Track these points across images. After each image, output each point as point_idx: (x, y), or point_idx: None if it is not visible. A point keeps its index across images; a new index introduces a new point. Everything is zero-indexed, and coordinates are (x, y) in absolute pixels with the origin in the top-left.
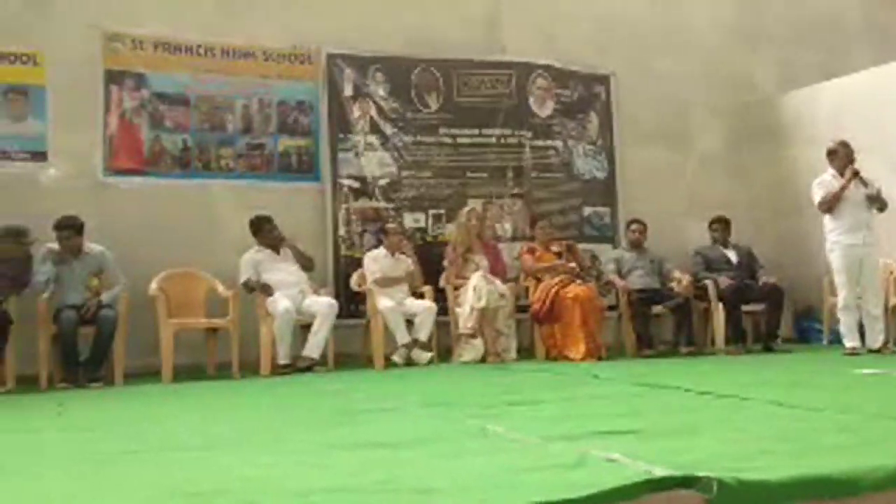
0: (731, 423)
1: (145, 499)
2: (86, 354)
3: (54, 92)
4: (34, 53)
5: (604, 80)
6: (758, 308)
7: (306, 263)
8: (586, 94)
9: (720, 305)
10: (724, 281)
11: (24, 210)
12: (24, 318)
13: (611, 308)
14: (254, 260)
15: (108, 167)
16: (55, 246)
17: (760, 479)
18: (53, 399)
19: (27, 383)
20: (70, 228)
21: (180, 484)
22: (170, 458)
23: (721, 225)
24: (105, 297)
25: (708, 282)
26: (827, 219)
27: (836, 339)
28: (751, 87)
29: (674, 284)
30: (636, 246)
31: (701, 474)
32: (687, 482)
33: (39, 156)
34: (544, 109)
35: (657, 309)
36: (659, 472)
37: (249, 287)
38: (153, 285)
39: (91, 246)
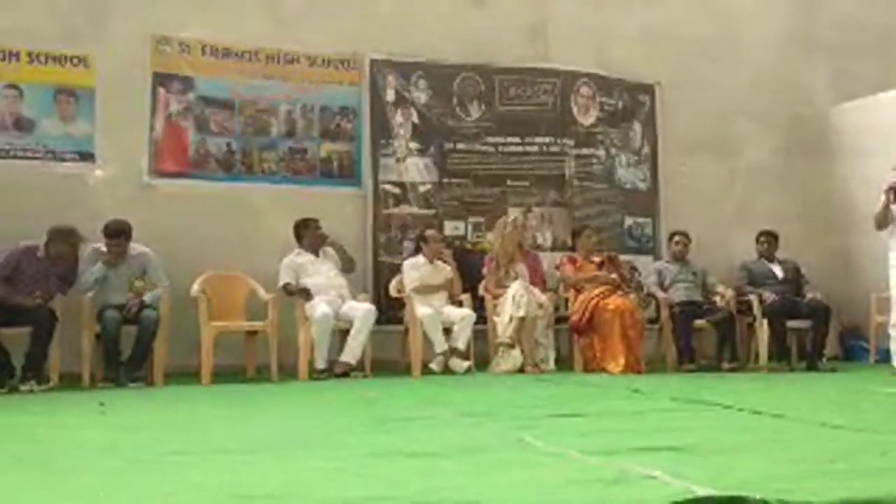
0: (776, 443)
1: (192, 501)
2: (127, 354)
3: (103, 94)
4: (84, 56)
5: (649, 89)
6: (803, 325)
7: (347, 264)
8: (631, 103)
9: (764, 321)
10: (769, 296)
11: (71, 210)
12: (69, 317)
13: (651, 321)
14: (294, 263)
15: (154, 169)
16: (102, 247)
17: (807, 500)
18: (96, 397)
19: (70, 381)
20: (121, 236)
21: (224, 487)
22: (213, 461)
23: (768, 239)
24: (147, 297)
25: (752, 296)
26: (886, 234)
27: (884, 358)
28: (801, 98)
29: (717, 298)
30: (679, 258)
31: (745, 494)
32: (731, 503)
33: (87, 157)
34: (587, 118)
35: (699, 323)
36: (701, 491)
37: (289, 291)
38: (195, 287)
39: (136, 247)
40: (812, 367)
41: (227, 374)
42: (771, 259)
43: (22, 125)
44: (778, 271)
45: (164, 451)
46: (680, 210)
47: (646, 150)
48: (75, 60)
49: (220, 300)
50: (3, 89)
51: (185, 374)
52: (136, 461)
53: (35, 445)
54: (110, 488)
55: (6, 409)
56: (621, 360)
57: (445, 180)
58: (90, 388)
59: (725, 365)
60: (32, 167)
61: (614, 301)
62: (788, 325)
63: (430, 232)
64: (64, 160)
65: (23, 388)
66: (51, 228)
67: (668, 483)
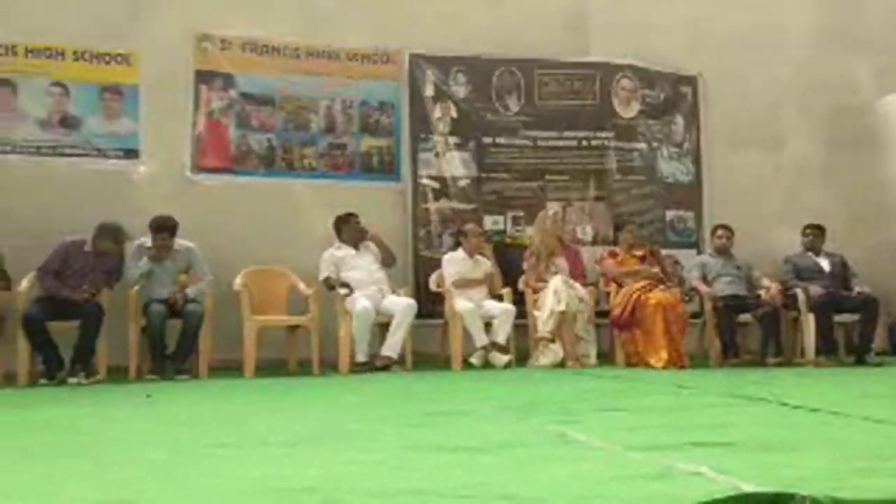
0: (824, 439)
1: (235, 493)
2: (172, 347)
3: (147, 91)
4: (129, 54)
5: (691, 81)
6: (850, 319)
7: (388, 258)
8: (672, 96)
9: (810, 315)
10: (816, 290)
11: (116, 205)
12: (115, 311)
13: (694, 315)
14: (334, 257)
15: (196, 165)
16: (148, 242)
17: (858, 498)
18: (142, 390)
19: (117, 374)
20: (166, 231)
21: (265, 479)
22: (255, 454)
23: (814, 232)
24: (191, 290)
25: (798, 290)
26: None
27: None
28: (847, 91)
29: (762, 292)
30: (722, 252)
31: (794, 491)
32: (779, 500)
33: (132, 153)
34: (628, 111)
35: (744, 317)
36: (748, 487)
37: (329, 284)
38: (238, 281)
39: (181, 242)
40: (860, 362)
41: (268, 368)
42: (817, 252)
43: (68, 123)
44: (825, 265)
45: (208, 443)
46: (723, 203)
47: (688, 143)
48: (119, 59)
49: (262, 294)
50: (49, 87)
51: (228, 368)
52: (180, 453)
53: (83, 437)
54: (156, 480)
55: (56, 402)
56: (664, 355)
57: (484, 175)
58: (136, 380)
59: (770, 360)
60: (78, 164)
61: (657, 295)
62: (835, 319)
63: (469, 226)
64: (109, 157)
65: (71, 380)
66: (99, 225)
67: (714, 479)
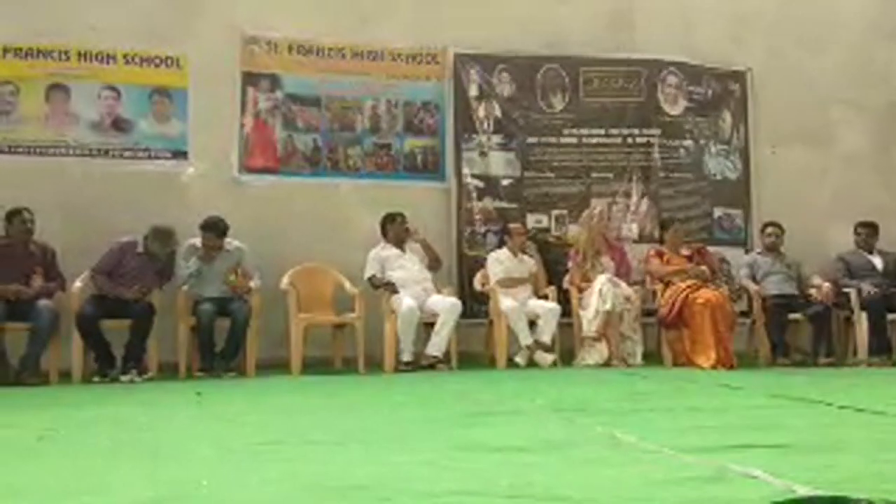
0: (880, 441)
1: (286, 491)
2: (221, 345)
3: (195, 94)
4: (177, 57)
5: (739, 76)
6: None
7: (434, 263)
8: (720, 91)
9: (863, 314)
10: (869, 288)
11: (166, 206)
12: (166, 310)
13: (743, 314)
14: (379, 256)
15: (244, 166)
16: (198, 242)
17: None
18: (192, 387)
19: (167, 371)
20: (213, 231)
21: (315, 477)
22: (304, 452)
23: (868, 230)
24: (253, 283)
25: (850, 289)
26: None
27: None
28: None
29: (813, 291)
30: (772, 250)
31: (849, 495)
32: (834, 503)
33: (181, 155)
34: (675, 108)
35: (794, 316)
36: (803, 490)
37: (374, 284)
38: (284, 280)
39: (231, 242)
40: None
41: (314, 366)
42: (870, 250)
43: (120, 125)
44: (878, 263)
45: (258, 440)
46: (772, 200)
47: (736, 139)
48: (169, 62)
49: (309, 293)
50: (102, 91)
51: (275, 366)
52: (231, 451)
53: (137, 434)
54: (208, 477)
55: (109, 399)
56: (712, 355)
57: (528, 173)
58: (186, 378)
59: (822, 360)
60: (129, 165)
61: (704, 294)
62: (889, 318)
63: (513, 225)
64: (158, 158)
65: (123, 378)
66: (153, 227)
67: (769, 482)
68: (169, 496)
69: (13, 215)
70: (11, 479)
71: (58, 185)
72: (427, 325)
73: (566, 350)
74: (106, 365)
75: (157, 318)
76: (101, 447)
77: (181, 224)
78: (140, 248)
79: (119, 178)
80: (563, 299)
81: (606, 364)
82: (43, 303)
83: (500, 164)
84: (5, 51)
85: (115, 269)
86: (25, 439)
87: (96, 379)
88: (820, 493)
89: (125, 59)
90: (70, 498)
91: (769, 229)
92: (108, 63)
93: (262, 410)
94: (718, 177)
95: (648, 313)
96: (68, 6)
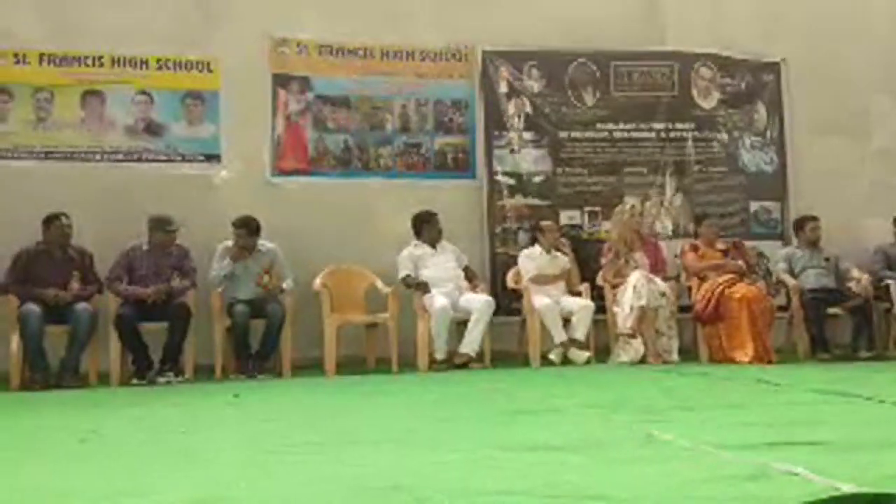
0: None
1: (323, 491)
2: (256, 346)
3: (227, 96)
4: (209, 60)
5: (773, 67)
6: None
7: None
8: (754, 83)
9: None
10: None
11: (199, 209)
12: (201, 312)
13: (781, 309)
14: (413, 255)
15: (276, 168)
16: (231, 243)
17: None
18: (228, 388)
19: (203, 373)
20: (244, 228)
21: (354, 478)
22: (341, 452)
23: None
24: (285, 284)
25: (890, 282)
26: None
27: None
28: None
29: (852, 284)
30: (810, 243)
31: (894, 492)
32: (880, 500)
33: (213, 157)
34: (709, 101)
35: (833, 310)
36: (846, 488)
37: (408, 283)
38: (317, 281)
39: (264, 243)
40: None
41: (347, 365)
42: None
43: (153, 129)
44: None
45: (295, 441)
46: (809, 193)
47: (771, 131)
48: (200, 66)
49: (341, 293)
50: (135, 96)
51: (309, 366)
52: (269, 451)
53: (177, 435)
54: (246, 477)
55: (147, 401)
56: (750, 350)
57: (560, 169)
58: (222, 379)
59: (863, 354)
60: (163, 169)
61: (741, 289)
62: None
63: (545, 222)
64: (191, 161)
65: (161, 380)
66: (150, 218)
67: (811, 479)
68: (209, 497)
69: (51, 220)
70: (58, 481)
71: (93, 189)
72: (460, 324)
73: (601, 347)
74: (143, 367)
75: (194, 320)
76: (142, 449)
77: (215, 226)
78: (146, 246)
79: (153, 181)
80: (597, 296)
81: (642, 361)
82: (81, 306)
83: (531, 160)
84: (41, 58)
85: (129, 274)
86: (68, 442)
87: (134, 381)
88: (864, 490)
89: (157, 65)
90: (114, 499)
91: (811, 224)
92: (140, 68)
93: (298, 411)
94: (754, 170)
95: (684, 309)
96: (101, 14)
